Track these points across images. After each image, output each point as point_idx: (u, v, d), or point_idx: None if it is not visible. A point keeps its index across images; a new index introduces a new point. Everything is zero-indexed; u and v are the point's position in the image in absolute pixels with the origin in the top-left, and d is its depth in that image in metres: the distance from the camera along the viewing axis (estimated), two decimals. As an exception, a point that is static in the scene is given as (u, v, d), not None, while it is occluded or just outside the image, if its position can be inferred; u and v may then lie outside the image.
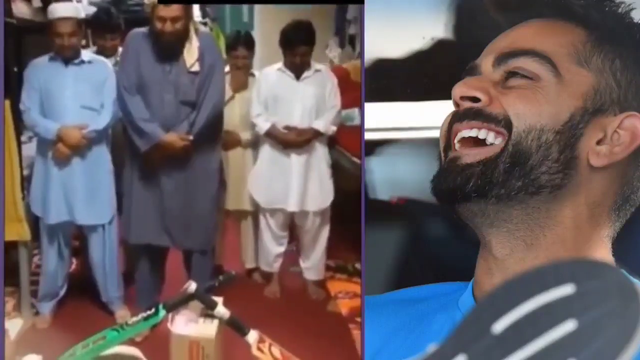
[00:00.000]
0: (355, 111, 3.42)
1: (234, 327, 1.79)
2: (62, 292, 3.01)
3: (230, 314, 1.80)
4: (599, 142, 1.02)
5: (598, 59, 1.04)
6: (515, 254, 1.04)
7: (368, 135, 1.80)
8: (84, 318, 2.94)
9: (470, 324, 0.71)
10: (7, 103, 2.73)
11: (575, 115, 1.01)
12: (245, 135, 3.26)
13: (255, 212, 3.29)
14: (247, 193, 3.26)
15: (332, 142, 3.27)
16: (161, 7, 2.76)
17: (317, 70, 3.17)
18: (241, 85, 3.27)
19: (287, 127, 3.13)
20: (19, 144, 2.94)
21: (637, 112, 1.03)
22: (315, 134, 3.14)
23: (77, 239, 3.11)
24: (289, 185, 3.14)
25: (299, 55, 3.11)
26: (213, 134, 2.95)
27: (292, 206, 3.15)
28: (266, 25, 3.93)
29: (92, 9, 3.27)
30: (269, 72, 3.19)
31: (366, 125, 1.78)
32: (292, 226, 3.29)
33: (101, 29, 3.18)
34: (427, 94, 1.73)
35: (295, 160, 3.15)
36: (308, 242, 3.25)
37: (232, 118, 3.20)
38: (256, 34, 3.78)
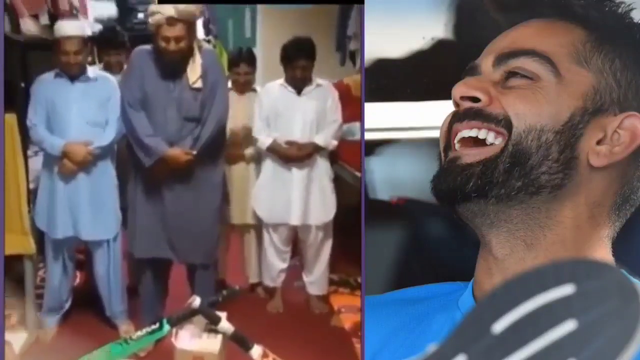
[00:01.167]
0: (357, 126, 3.41)
1: (238, 342, 1.79)
2: (66, 306, 3.02)
3: (234, 329, 1.80)
4: (599, 142, 1.02)
5: (598, 59, 1.04)
6: (515, 254, 1.04)
7: (368, 136, 1.80)
8: (88, 332, 2.94)
9: (470, 324, 0.71)
10: (14, 117, 2.78)
11: (575, 115, 1.01)
12: (248, 150, 3.28)
13: (259, 226, 3.30)
14: (251, 207, 3.28)
15: (333, 157, 3.28)
16: (165, 27, 2.79)
17: (318, 85, 3.19)
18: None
19: (289, 142, 3.14)
20: (26, 157, 2.96)
21: (637, 112, 1.03)
22: (316, 149, 3.15)
23: (81, 252, 3.13)
24: (290, 200, 3.15)
25: (299, 69, 3.13)
26: (216, 149, 2.97)
27: (294, 220, 3.16)
28: (269, 42, 3.94)
29: (99, 27, 3.31)
30: (271, 88, 3.21)
31: (366, 125, 1.78)
32: (295, 241, 3.30)
33: (106, 45, 3.22)
34: (427, 94, 1.73)
35: (297, 174, 3.16)
36: (311, 256, 3.26)
37: (236, 134, 3.22)
38: (259, 51, 3.80)
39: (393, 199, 1.84)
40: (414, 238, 1.83)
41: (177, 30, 2.80)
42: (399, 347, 1.09)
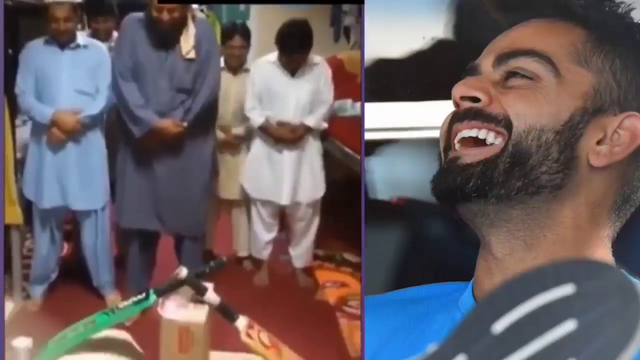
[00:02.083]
0: (349, 102, 3.43)
1: (224, 313, 1.80)
2: (53, 276, 3.03)
3: (220, 300, 1.80)
4: (599, 142, 1.02)
5: (598, 59, 1.04)
6: (515, 254, 1.04)
7: (368, 135, 1.80)
8: (75, 302, 2.96)
9: (470, 324, 0.71)
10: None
11: (575, 115, 1.01)
12: (239, 130, 3.28)
13: (248, 200, 3.31)
14: (240, 182, 3.28)
15: (324, 133, 3.29)
16: None
17: (312, 64, 3.17)
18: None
19: (280, 123, 3.14)
20: (13, 127, 2.93)
21: (637, 112, 1.03)
22: (308, 130, 3.15)
23: (69, 223, 3.12)
24: (281, 180, 3.16)
25: (295, 59, 3.11)
26: (207, 121, 2.95)
27: (284, 200, 3.18)
28: (263, 15, 3.92)
29: (88, -7, 3.28)
30: (263, 64, 3.18)
31: (366, 125, 1.78)
32: (283, 214, 3.31)
33: (94, 12, 3.17)
34: (427, 94, 1.73)
35: (288, 155, 3.16)
36: (298, 230, 3.28)
37: (226, 114, 3.21)
38: (252, 24, 3.78)
39: (393, 199, 1.84)
40: (414, 238, 1.83)
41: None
42: (399, 347, 1.09)
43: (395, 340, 1.11)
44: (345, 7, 3.86)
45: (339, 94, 3.25)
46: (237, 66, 3.29)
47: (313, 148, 3.20)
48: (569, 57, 1.04)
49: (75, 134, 2.88)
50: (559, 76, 1.02)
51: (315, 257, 3.36)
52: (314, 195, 3.21)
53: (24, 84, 2.88)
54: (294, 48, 3.10)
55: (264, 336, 1.78)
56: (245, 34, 3.31)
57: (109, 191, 2.99)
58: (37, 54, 2.90)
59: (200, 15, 3.08)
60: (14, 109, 2.93)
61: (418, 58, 1.78)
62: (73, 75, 2.90)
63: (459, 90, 1.06)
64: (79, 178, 2.91)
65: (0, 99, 1.91)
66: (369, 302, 1.19)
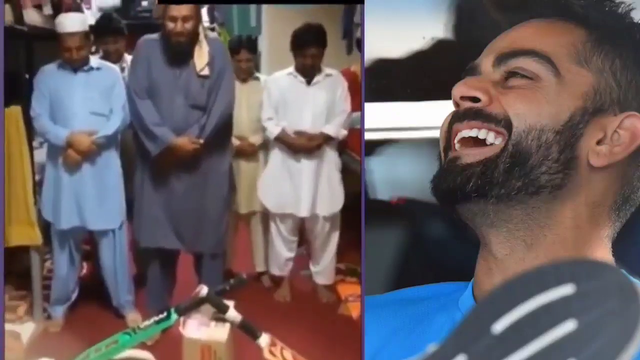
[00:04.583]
0: (365, 115, 3.41)
1: (246, 331, 1.79)
2: (73, 297, 3.04)
3: (242, 318, 1.79)
4: (599, 142, 1.02)
5: (598, 59, 1.04)
6: (515, 254, 1.04)
7: (368, 135, 1.80)
8: (96, 322, 2.96)
9: (470, 324, 0.71)
10: (19, 109, 2.80)
11: (575, 115, 1.01)
12: (253, 138, 3.27)
13: (266, 214, 3.30)
14: (258, 196, 3.28)
15: (341, 146, 3.28)
16: (172, 7, 2.79)
17: (327, 75, 3.17)
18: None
19: (298, 132, 3.13)
20: (31, 149, 2.96)
21: (637, 112, 1.03)
22: (326, 139, 3.14)
23: (87, 243, 3.14)
24: (299, 191, 3.15)
25: (310, 57, 3.11)
26: (223, 138, 2.97)
27: (303, 212, 3.15)
28: (274, 30, 3.93)
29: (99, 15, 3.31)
30: (280, 77, 3.20)
31: (366, 125, 1.78)
32: (302, 229, 3.29)
33: (103, 34, 3.20)
34: (427, 94, 1.73)
35: (306, 165, 3.15)
36: (318, 246, 3.26)
37: (240, 123, 3.22)
38: (264, 39, 3.79)
39: (393, 199, 1.84)
40: (414, 238, 1.83)
41: (184, 9, 2.79)
42: (399, 348, 1.09)
43: (395, 340, 1.11)
44: (357, 19, 3.86)
45: (355, 106, 3.24)
46: (246, 77, 3.31)
47: (330, 159, 3.19)
48: (569, 57, 1.04)
49: (90, 154, 2.91)
50: (559, 76, 1.02)
51: (337, 271, 3.33)
52: (332, 208, 3.19)
53: (38, 107, 2.91)
54: (308, 44, 3.10)
55: (287, 353, 1.78)
56: (252, 47, 3.36)
57: (125, 210, 3.00)
58: (51, 77, 2.94)
59: (212, 34, 3.10)
60: (32, 132, 2.97)
61: (418, 58, 1.78)
62: (87, 97, 2.93)
63: (459, 90, 1.06)
64: (95, 198, 2.94)
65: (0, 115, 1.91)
66: (369, 303, 1.19)
